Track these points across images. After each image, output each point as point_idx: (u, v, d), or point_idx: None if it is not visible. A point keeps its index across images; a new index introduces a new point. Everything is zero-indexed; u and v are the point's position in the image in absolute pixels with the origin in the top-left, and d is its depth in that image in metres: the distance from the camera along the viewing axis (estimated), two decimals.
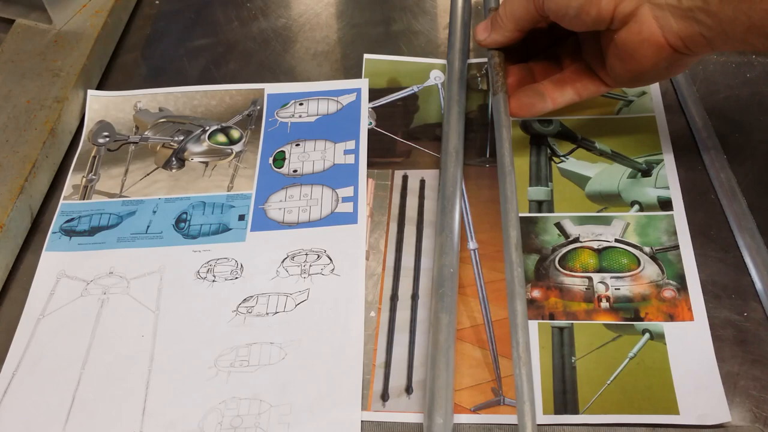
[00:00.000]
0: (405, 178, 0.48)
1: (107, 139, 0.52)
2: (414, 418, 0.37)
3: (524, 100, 0.43)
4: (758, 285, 0.40)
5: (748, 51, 0.49)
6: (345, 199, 0.47)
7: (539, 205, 0.45)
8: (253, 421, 0.38)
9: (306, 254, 0.44)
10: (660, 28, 0.35)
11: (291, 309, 0.42)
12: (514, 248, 0.38)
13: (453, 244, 0.40)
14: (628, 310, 0.40)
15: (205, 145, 0.51)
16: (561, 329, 0.40)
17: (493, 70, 0.44)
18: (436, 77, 0.53)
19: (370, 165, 0.48)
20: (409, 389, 0.39)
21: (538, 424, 0.36)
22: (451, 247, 0.40)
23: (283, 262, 0.44)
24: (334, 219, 0.46)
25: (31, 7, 0.56)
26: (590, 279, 0.42)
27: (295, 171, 0.49)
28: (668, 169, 0.46)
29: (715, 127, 0.47)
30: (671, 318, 0.40)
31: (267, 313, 0.42)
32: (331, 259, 0.44)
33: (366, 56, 0.55)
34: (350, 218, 0.46)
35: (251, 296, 0.43)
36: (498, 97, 0.43)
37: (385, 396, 0.38)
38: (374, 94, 0.52)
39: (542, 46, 0.45)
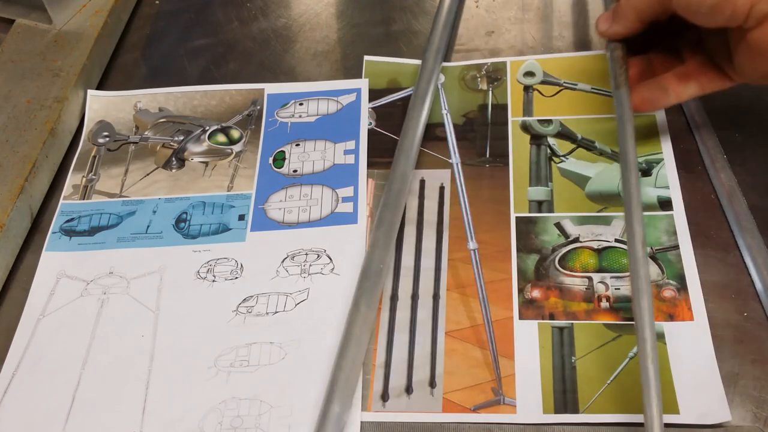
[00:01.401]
0: None
1: (107, 139, 0.52)
2: (414, 418, 0.37)
3: (647, 95, 0.42)
4: (758, 285, 0.40)
5: None
6: (345, 199, 0.47)
7: (539, 205, 0.45)
8: (253, 422, 0.38)
9: (306, 254, 0.44)
10: None
11: (291, 309, 0.42)
12: (640, 246, 0.37)
13: (390, 240, 0.41)
14: (628, 310, 0.40)
15: (205, 145, 0.51)
16: (561, 329, 0.40)
17: (616, 63, 0.44)
18: None
19: (370, 165, 0.48)
20: (409, 389, 0.39)
21: (539, 424, 0.37)
22: (387, 243, 0.41)
23: (283, 261, 0.44)
24: (334, 219, 0.46)
25: (31, 7, 0.56)
26: (590, 279, 0.42)
27: (295, 171, 0.49)
28: (668, 169, 0.46)
29: (715, 127, 0.47)
30: (671, 318, 0.40)
31: (267, 313, 0.42)
32: (331, 259, 0.44)
33: (366, 58, 0.54)
34: (350, 218, 0.46)
35: (251, 296, 0.43)
36: (621, 91, 0.43)
37: (385, 396, 0.38)
38: (374, 94, 0.52)
39: (660, 38, 0.44)
